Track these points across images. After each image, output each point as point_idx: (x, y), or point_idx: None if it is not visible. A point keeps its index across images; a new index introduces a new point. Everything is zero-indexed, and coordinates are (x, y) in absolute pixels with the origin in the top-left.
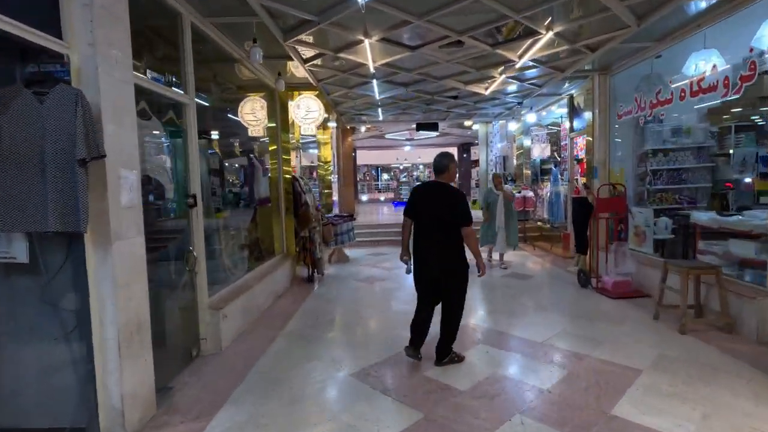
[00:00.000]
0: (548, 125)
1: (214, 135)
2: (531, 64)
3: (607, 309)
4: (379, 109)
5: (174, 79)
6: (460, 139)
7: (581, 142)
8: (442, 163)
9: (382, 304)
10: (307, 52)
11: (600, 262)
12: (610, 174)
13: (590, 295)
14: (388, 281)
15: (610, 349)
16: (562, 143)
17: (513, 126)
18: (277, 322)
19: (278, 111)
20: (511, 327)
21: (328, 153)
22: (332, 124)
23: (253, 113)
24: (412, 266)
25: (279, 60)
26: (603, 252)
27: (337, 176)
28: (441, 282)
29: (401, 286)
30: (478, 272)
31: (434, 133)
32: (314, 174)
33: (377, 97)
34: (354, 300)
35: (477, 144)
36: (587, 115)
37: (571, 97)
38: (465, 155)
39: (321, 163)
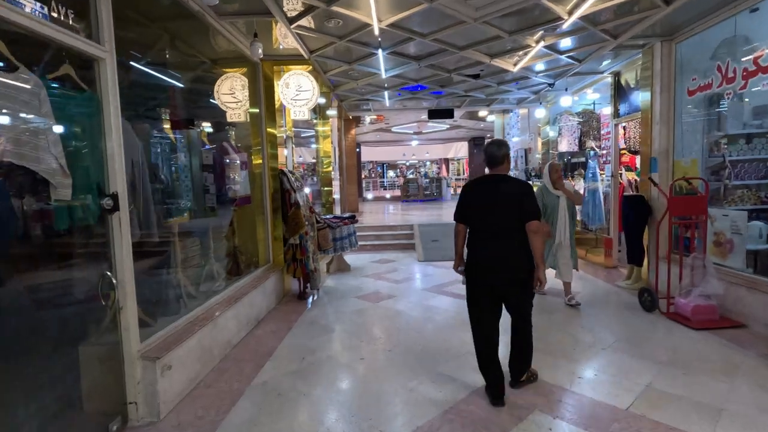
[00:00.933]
0: (578, 113)
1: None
2: (580, 24)
3: (695, 348)
4: (386, 93)
5: (77, 22)
6: (471, 132)
7: (629, 128)
8: (499, 153)
9: (392, 335)
10: (293, 3)
11: (663, 276)
12: (675, 166)
13: (662, 323)
14: (398, 299)
15: (735, 425)
16: (602, 132)
17: (540, 113)
18: (249, 367)
19: (262, 91)
20: (575, 380)
21: (328, 147)
22: (332, 113)
23: (232, 93)
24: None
25: (258, 17)
26: (665, 264)
27: (338, 173)
28: (509, 294)
29: (415, 306)
30: (535, 287)
31: (444, 126)
32: (314, 170)
33: (383, 74)
34: (355, 328)
35: (489, 138)
36: (640, 95)
37: (616, 76)
38: (476, 150)
39: (321, 158)
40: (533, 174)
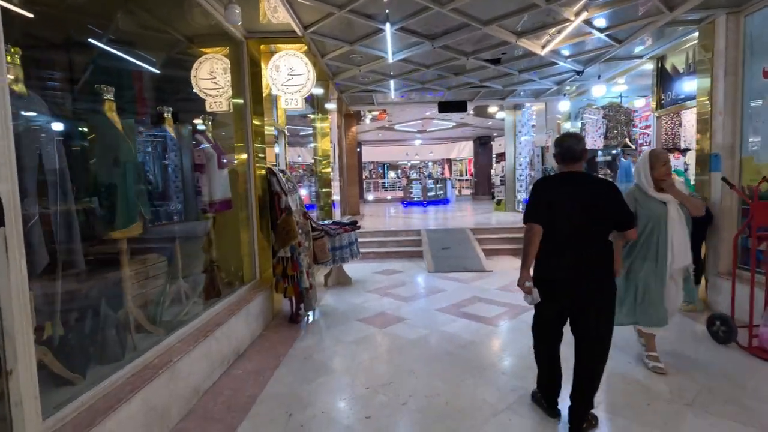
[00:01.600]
0: (603, 107)
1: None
2: None
3: None
4: (392, 84)
5: None
6: (478, 131)
7: (665, 123)
8: (578, 147)
9: (405, 380)
10: None
11: (736, 298)
12: (744, 165)
13: (747, 362)
14: (409, 324)
15: None
16: (637, 126)
17: (564, 106)
18: (216, 429)
19: (248, 76)
20: None
21: (326, 145)
22: (331, 106)
23: (212, 78)
24: (536, 294)
25: None
26: (725, 281)
27: (339, 173)
28: (589, 311)
29: (430, 333)
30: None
31: (449, 124)
32: (312, 171)
33: (390, 57)
34: (358, 367)
35: (496, 136)
36: (697, 81)
37: (659, 61)
38: (481, 150)
39: (319, 158)
40: (551, 174)
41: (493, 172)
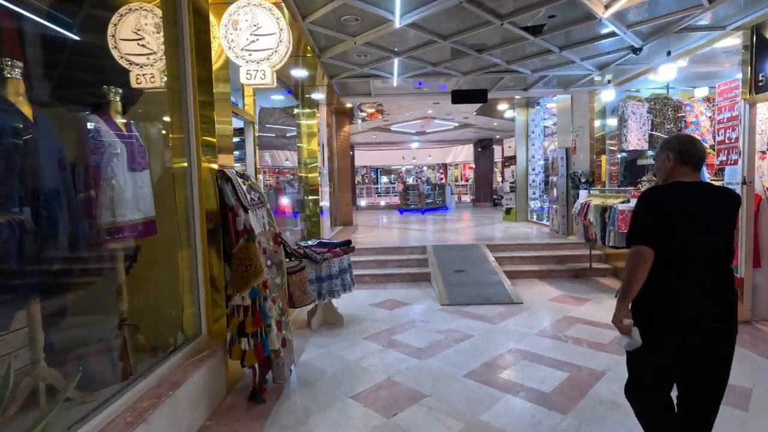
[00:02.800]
0: (647, 99)
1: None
2: None
3: None
4: (395, 63)
5: None
6: (480, 133)
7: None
8: (704, 153)
9: None
10: None
11: None
12: None
13: None
14: (431, 405)
15: None
16: (690, 124)
17: (607, 96)
18: None
19: (190, 36)
20: None
21: (314, 145)
22: (318, 97)
23: (138, 38)
24: (637, 335)
25: None
26: None
27: (328, 178)
28: (718, 358)
29: (468, 424)
30: None
31: (451, 124)
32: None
33: (397, 20)
34: None
35: (498, 139)
36: None
37: (755, 31)
38: (482, 153)
39: (305, 161)
40: (582, 180)
41: (497, 177)
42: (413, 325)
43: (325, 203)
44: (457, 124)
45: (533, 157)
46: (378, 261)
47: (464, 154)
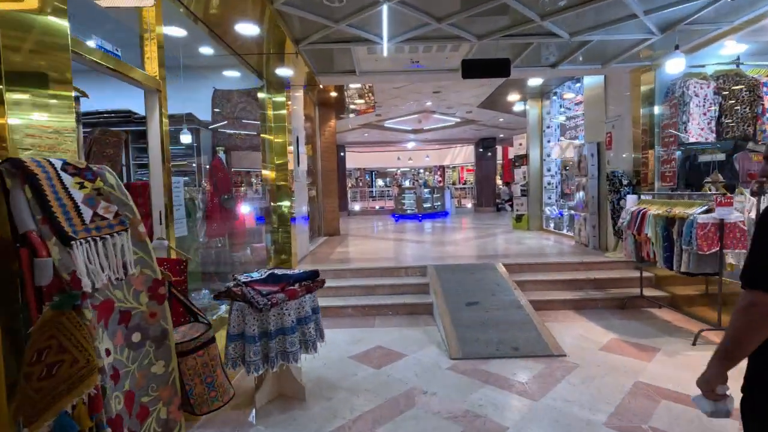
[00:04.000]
0: (715, 75)
1: None
2: None
3: None
4: (383, 15)
5: None
6: (482, 131)
7: None
8: None
9: None
10: None
11: None
12: None
13: None
14: None
15: None
16: None
17: (675, 65)
18: None
19: None
20: None
21: (283, 139)
22: (285, 73)
23: None
24: (731, 404)
25: None
26: None
27: (309, 180)
28: None
29: None
30: None
31: (452, 119)
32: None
33: None
34: None
35: (502, 138)
36: None
37: None
38: (484, 153)
39: (270, 156)
40: (625, 182)
41: (499, 180)
42: (411, 401)
43: (303, 208)
44: (459, 120)
45: (548, 155)
46: (365, 287)
47: (463, 155)
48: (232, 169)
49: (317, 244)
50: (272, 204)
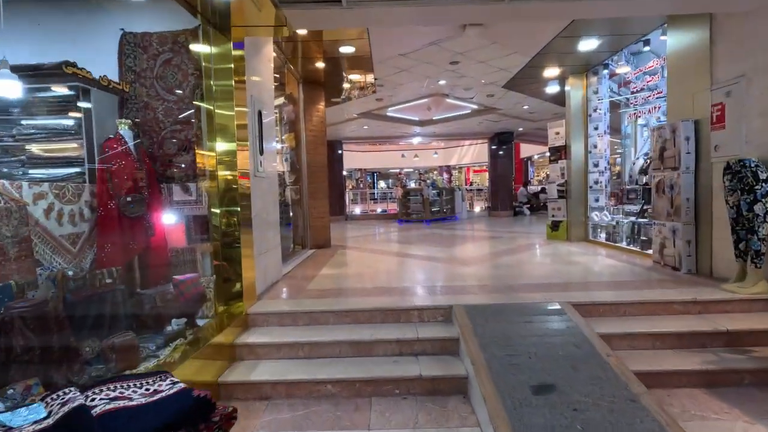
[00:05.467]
0: None
1: None
2: None
3: None
4: None
5: None
6: (500, 123)
7: None
8: None
9: None
10: None
11: None
12: None
13: None
14: None
15: None
16: None
17: None
18: None
19: None
20: None
21: (227, 110)
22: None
23: None
24: None
25: None
26: None
27: (292, 179)
28: None
29: None
30: None
31: (467, 108)
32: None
33: None
34: None
35: (521, 132)
36: None
37: None
38: (501, 150)
39: (212, 142)
40: (763, 176)
41: (512, 180)
42: None
43: (271, 215)
44: (476, 106)
45: (595, 146)
46: (356, 343)
47: (470, 155)
48: (147, 155)
49: (297, 263)
50: (212, 210)
